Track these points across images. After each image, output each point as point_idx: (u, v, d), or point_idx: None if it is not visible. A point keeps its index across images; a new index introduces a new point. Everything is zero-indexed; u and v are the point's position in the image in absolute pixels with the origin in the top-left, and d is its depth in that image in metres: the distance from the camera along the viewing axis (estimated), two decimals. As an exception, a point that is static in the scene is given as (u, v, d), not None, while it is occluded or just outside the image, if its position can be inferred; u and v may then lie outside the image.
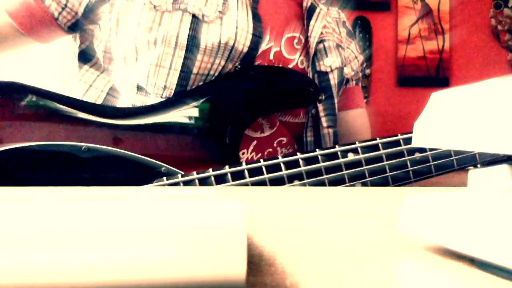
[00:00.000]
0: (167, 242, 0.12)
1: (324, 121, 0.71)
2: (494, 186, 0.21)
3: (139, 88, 0.64)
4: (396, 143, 0.57)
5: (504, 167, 0.21)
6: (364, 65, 0.89)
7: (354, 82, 0.82)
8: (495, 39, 2.09)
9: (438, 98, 0.22)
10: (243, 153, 0.64)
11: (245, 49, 0.62)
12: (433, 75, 2.06)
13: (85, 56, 0.70)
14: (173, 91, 0.61)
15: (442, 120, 0.21)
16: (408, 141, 0.58)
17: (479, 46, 2.08)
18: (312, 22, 0.70)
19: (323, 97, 0.70)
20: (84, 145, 0.53)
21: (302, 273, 0.17)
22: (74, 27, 0.67)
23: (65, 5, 0.64)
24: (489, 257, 0.16)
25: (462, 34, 2.06)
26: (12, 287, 0.12)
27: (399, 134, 0.58)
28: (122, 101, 0.67)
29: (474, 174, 0.23)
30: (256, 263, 0.18)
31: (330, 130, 0.72)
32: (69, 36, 0.71)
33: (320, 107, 0.70)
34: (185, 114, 0.59)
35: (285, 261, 0.18)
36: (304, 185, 0.54)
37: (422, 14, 2.08)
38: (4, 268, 0.12)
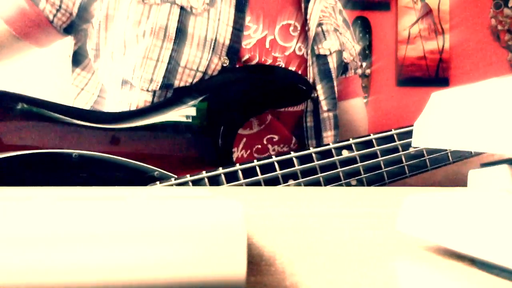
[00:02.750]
0: (167, 242, 0.12)
1: (324, 105, 0.70)
2: (494, 186, 0.21)
3: (124, 82, 0.63)
4: (390, 138, 0.57)
5: (504, 167, 0.21)
6: (361, 56, 0.89)
7: (352, 71, 0.82)
8: (495, 39, 2.09)
9: (438, 98, 0.22)
10: (233, 152, 0.64)
11: (227, 42, 0.62)
12: (433, 75, 2.06)
13: (77, 58, 0.70)
14: (159, 84, 0.61)
15: (442, 120, 0.21)
16: (402, 135, 0.57)
17: (479, 46, 2.07)
18: (310, 5, 0.70)
19: (316, 95, 0.70)
20: (75, 152, 0.53)
21: (302, 273, 0.17)
22: (69, 28, 0.67)
23: (60, 7, 0.64)
24: (489, 257, 0.16)
25: (462, 34, 2.06)
26: (12, 287, 0.12)
27: (392, 129, 0.58)
28: (109, 99, 0.67)
29: (474, 174, 0.23)
30: (256, 263, 0.18)
31: (330, 114, 0.71)
32: (64, 39, 0.71)
33: (320, 90, 0.70)
34: (177, 116, 0.59)
35: (285, 261, 0.18)
36: (299, 184, 0.53)
37: (422, 14, 2.07)
38: (4, 268, 0.12)
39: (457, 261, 0.18)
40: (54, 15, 0.65)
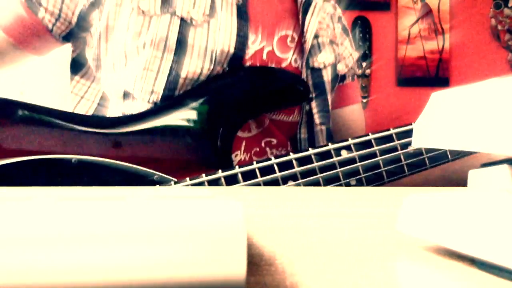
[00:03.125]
0: (167, 242, 0.12)
1: (316, 118, 0.70)
2: (494, 186, 0.21)
3: (126, 94, 0.63)
4: (389, 138, 0.57)
5: (504, 167, 0.21)
6: (359, 62, 0.89)
7: (350, 78, 0.82)
8: (495, 39, 2.09)
9: (438, 98, 0.22)
10: (236, 155, 0.64)
11: (232, 50, 0.62)
12: (433, 75, 2.06)
13: (77, 65, 0.70)
14: (160, 96, 0.61)
15: (442, 120, 0.21)
16: (400, 135, 0.58)
17: (479, 46, 2.07)
18: (308, 17, 0.70)
19: (314, 95, 0.70)
20: (74, 157, 0.53)
21: (302, 273, 0.17)
22: (68, 36, 0.67)
23: (59, 16, 0.64)
24: (489, 257, 0.16)
25: (462, 34, 2.06)
26: (12, 287, 0.12)
27: (391, 129, 0.58)
28: (112, 108, 0.67)
29: (474, 174, 0.23)
30: (256, 263, 0.18)
31: (323, 127, 0.71)
32: (62, 47, 0.71)
33: (313, 103, 0.70)
34: (176, 119, 0.59)
35: (285, 261, 0.18)
36: (298, 185, 0.54)
37: (422, 14, 2.08)
38: (4, 268, 0.12)
39: (457, 261, 0.18)
40: (53, 24, 0.64)
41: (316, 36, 0.71)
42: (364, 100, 2.00)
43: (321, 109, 0.71)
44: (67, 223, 0.12)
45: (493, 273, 0.16)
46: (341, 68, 0.77)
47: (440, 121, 0.21)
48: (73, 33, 0.66)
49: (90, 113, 0.70)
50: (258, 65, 0.65)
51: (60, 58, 0.74)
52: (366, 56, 2.04)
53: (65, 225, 0.12)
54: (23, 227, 0.12)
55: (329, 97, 0.73)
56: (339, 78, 0.77)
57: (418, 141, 0.23)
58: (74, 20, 0.64)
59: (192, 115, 0.59)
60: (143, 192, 0.19)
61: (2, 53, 0.67)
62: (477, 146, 0.19)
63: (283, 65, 0.68)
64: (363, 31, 2.04)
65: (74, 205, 0.13)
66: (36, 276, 0.12)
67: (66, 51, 0.71)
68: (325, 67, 0.71)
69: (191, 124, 0.59)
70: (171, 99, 0.61)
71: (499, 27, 2.08)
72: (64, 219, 0.12)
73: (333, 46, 0.74)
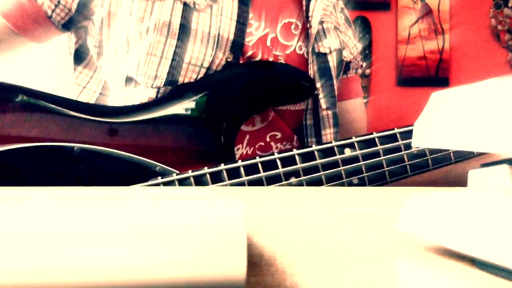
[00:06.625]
0: (167, 242, 0.12)
1: (323, 103, 0.70)
2: (494, 186, 0.21)
3: (128, 79, 0.63)
4: (393, 137, 0.57)
5: (504, 167, 0.21)
6: (362, 56, 0.88)
7: (353, 71, 0.82)
8: (495, 39, 2.09)
9: (438, 98, 0.22)
10: (237, 149, 0.64)
11: (231, 37, 0.62)
12: (433, 75, 2.06)
13: (79, 55, 0.70)
14: (163, 81, 0.61)
15: (442, 120, 0.21)
16: (404, 135, 0.58)
17: (479, 46, 2.07)
18: (312, 2, 0.70)
19: (320, 80, 0.70)
20: (77, 145, 0.53)
21: (302, 273, 0.17)
22: (68, 24, 0.67)
23: (58, 2, 0.64)
24: (489, 257, 0.16)
25: (462, 34, 2.06)
26: (12, 287, 0.12)
27: (395, 128, 0.58)
28: (113, 96, 0.67)
29: (474, 174, 0.23)
30: (256, 263, 0.18)
31: (330, 112, 0.71)
32: (64, 35, 0.70)
33: (319, 88, 0.70)
34: (180, 111, 0.59)
35: (285, 261, 0.18)
36: (300, 181, 0.54)
37: (422, 14, 2.07)
38: (4, 268, 0.11)
39: (457, 261, 0.18)
40: (53, 11, 0.64)
41: (321, 22, 0.71)
42: (364, 100, 2.00)
43: (327, 93, 0.71)
44: (67, 223, 0.12)
45: (493, 273, 0.16)
46: (347, 55, 0.77)
47: (440, 121, 0.21)
48: (73, 21, 0.66)
49: (92, 102, 0.70)
50: (260, 56, 0.65)
51: (63, 49, 0.74)
52: (366, 56, 2.04)
53: (65, 225, 0.12)
54: (23, 227, 0.12)
55: (335, 83, 0.73)
56: (344, 64, 0.77)
57: (418, 141, 0.23)
58: (74, 7, 0.64)
59: (197, 108, 0.59)
60: (143, 192, 0.19)
61: (1, 39, 0.66)
62: (477, 146, 0.19)
63: (288, 52, 0.68)
64: (363, 31, 2.04)
65: (74, 205, 0.13)
66: (36, 276, 0.12)
67: (69, 41, 0.71)
68: (330, 52, 0.71)
69: (195, 117, 0.59)
70: (175, 90, 0.61)
71: (499, 27, 2.08)
72: (64, 219, 0.12)
73: (337, 32, 0.74)
